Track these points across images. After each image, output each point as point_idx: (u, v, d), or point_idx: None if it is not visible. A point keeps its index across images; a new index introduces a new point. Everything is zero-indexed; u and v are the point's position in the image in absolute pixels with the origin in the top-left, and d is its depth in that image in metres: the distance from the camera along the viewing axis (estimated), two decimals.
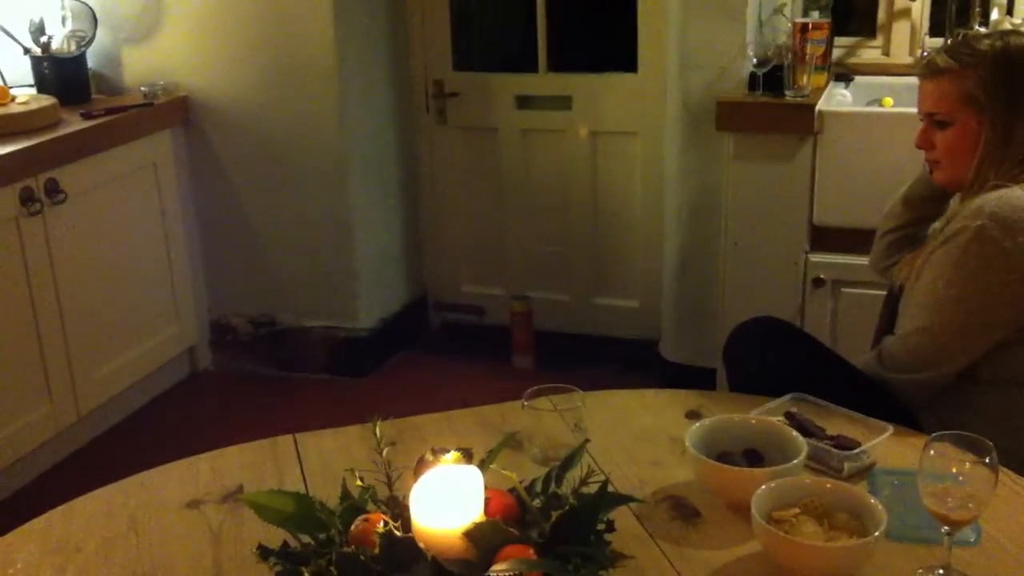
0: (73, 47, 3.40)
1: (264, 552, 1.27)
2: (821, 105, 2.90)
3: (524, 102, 3.69)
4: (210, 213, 3.61)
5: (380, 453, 1.37)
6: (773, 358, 1.94)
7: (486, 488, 1.32)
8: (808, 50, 2.99)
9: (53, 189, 2.95)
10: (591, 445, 1.49)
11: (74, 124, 3.14)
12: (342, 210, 3.51)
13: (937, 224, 1.99)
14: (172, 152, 3.48)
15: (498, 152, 3.75)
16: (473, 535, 1.24)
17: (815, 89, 2.96)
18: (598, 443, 1.61)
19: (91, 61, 3.48)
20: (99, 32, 3.42)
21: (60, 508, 1.58)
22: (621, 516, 1.46)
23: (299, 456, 1.70)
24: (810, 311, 3.02)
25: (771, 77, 2.94)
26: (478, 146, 3.77)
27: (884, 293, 2.16)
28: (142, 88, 3.43)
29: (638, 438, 1.75)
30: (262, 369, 3.68)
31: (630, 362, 3.58)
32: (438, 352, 3.82)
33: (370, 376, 3.61)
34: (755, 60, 2.95)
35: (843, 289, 2.96)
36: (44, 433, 2.97)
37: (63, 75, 3.37)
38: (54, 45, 3.37)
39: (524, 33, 3.64)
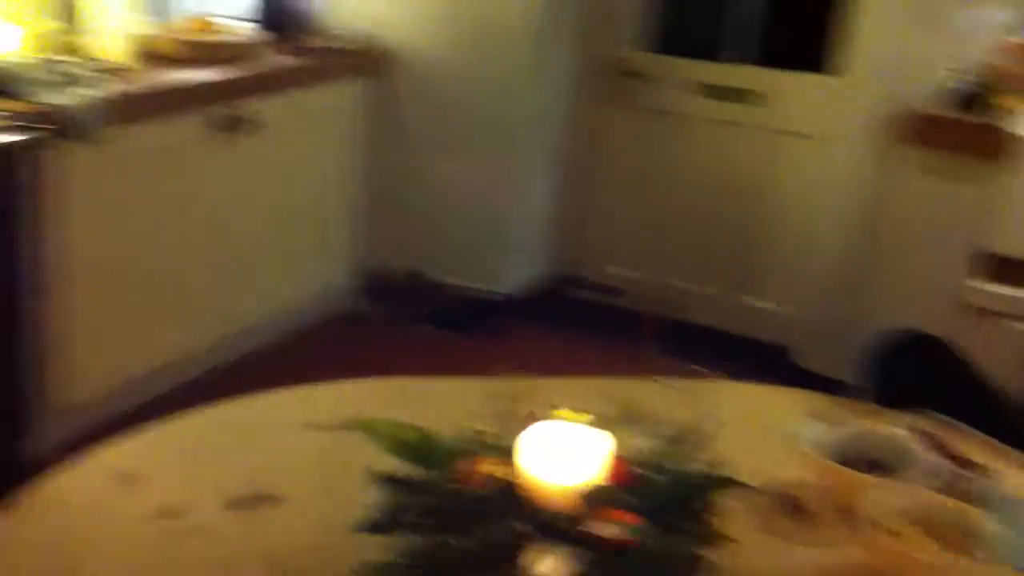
0: None
1: (374, 476, 1.31)
2: (1017, 128, 2.75)
3: (707, 91, 3.64)
4: (382, 162, 3.72)
5: (500, 402, 1.39)
6: (920, 373, 1.88)
7: (600, 452, 1.32)
8: (1014, 70, 2.83)
9: (244, 119, 3.08)
10: (713, 431, 1.48)
11: (276, 60, 3.28)
12: (505, 176, 3.57)
13: None
14: (361, 100, 3.60)
15: (671, 138, 3.72)
16: (580, 492, 1.25)
17: (1015, 112, 2.81)
18: (721, 430, 1.60)
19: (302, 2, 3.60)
20: None
21: (190, 413, 1.66)
22: (728, 504, 1.44)
23: (420, 397, 1.74)
24: (962, 339, 2.89)
25: (970, 95, 2.80)
26: (653, 129, 3.75)
27: None
28: (345, 34, 3.54)
29: (760, 431, 1.73)
30: (403, 319, 3.76)
31: (761, 363, 3.51)
32: (572, 327, 3.83)
33: (501, 340, 3.65)
34: (956, 76, 2.81)
35: (1003, 320, 2.83)
36: (191, 348, 3.12)
37: (280, 13, 3.50)
38: None
39: (718, 21, 3.59)
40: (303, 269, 3.54)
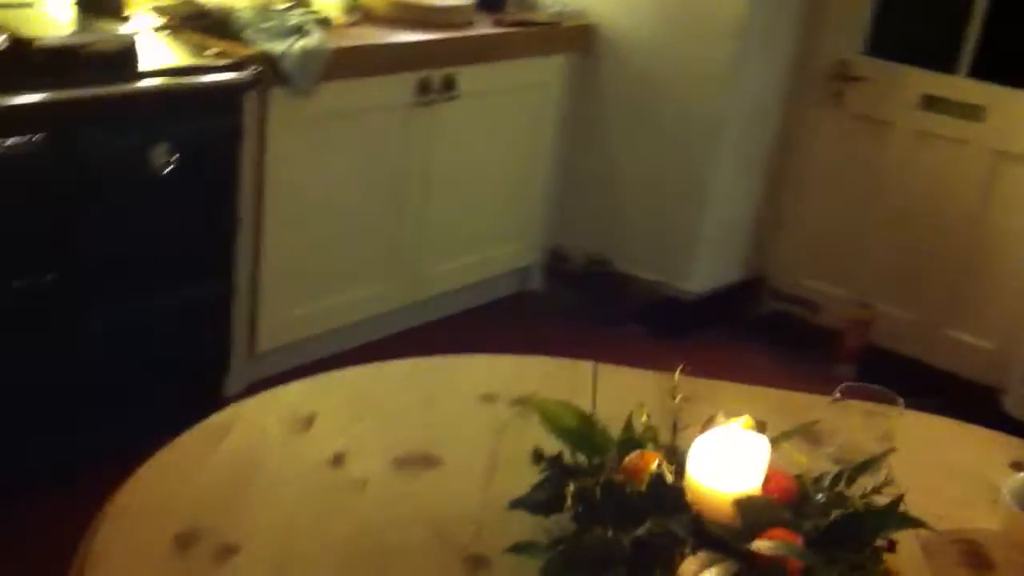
0: None
1: (538, 456, 1.29)
2: None
3: (930, 103, 3.44)
4: (579, 143, 3.70)
5: (674, 399, 1.35)
6: None
7: (770, 466, 1.27)
8: None
9: (449, 85, 3.12)
10: (895, 463, 1.38)
11: (484, 28, 3.30)
12: (704, 170, 3.48)
13: None
14: (564, 76, 3.58)
15: (886, 149, 3.54)
16: (744, 505, 1.20)
17: None
18: (905, 463, 1.50)
19: None
20: None
21: (371, 366, 1.69)
22: (906, 542, 1.35)
23: (595, 383, 1.71)
24: None
25: None
26: (866, 138, 3.58)
27: None
28: (553, 7, 3.54)
29: (951, 472, 1.62)
30: (585, 305, 3.74)
31: (965, 403, 3.29)
32: (759, 338, 3.71)
33: (683, 341, 3.57)
34: None
35: None
36: (378, 307, 3.20)
37: None
38: None
39: (951, 30, 3.38)
40: (493, 242, 3.57)
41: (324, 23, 2.86)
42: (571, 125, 3.68)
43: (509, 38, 3.32)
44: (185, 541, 1.22)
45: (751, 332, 3.76)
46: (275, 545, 1.25)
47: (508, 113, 3.43)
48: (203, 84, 2.48)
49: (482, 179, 3.41)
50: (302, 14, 2.83)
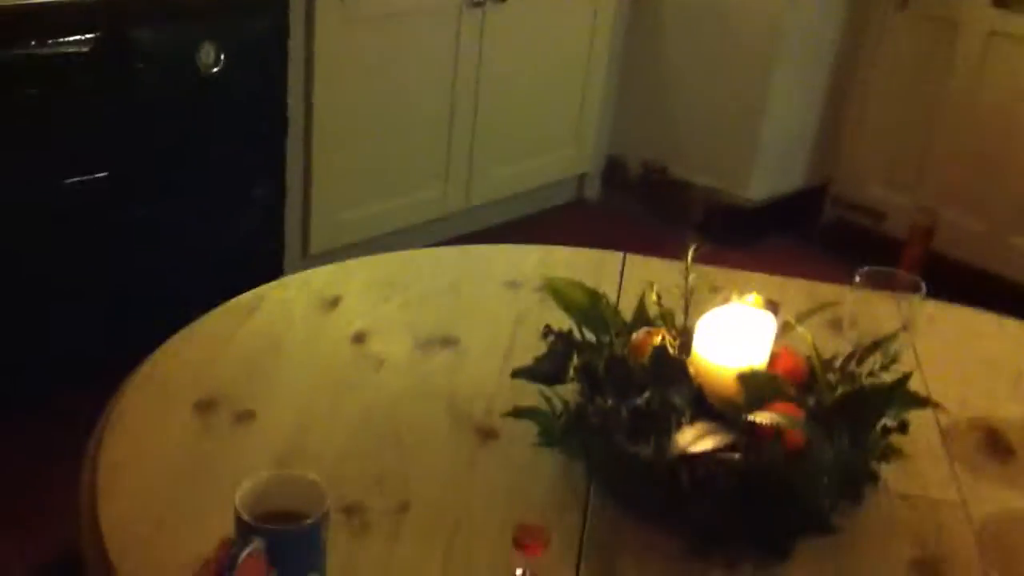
0: None
1: (547, 332, 1.31)
2: None
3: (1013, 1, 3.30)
4: (636, 50, 3.64)
5: (686, 280, 1.35)
6: None
7: (781, 345, 1.27)
8: None
9: None
10: (920, 352, 1.38)
11: None
12: (763, 76, 3.40)
13: None
14: None
15: (955, 51, 3.40)
16: (746, 379, 1.20)
17: None
18: (931, 352, 1.49)
19: None
20: None
21: (399, 252, 1.72)
22: (924, 427, 1.35)
23: (622, 272, 1.72)
24: None
25: None
26: (934, 39, 3.44)
27: None
28: None
29: (979, 361, 1.60)
30: (642, 212, 3.72)
31: None
32: (820, 248, 3.66)
33: (740, 250, 3.54)
34: None
35: None
36: (431, 212, 3.23)
37: None
38: None
39: None
40: (550, 149, 3.56)
41: None
42: (627, 29, 3.63)
43: None
44: (205, 407, 1.27)
45: (812, 241, 3.70)
46: (292, 412, 1.30)
47: (562, 17, 3.38)
48: None
49: (536, 84, 3.39)
50: None
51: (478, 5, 3.06)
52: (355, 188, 2.97)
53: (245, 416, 1.27)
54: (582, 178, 3.78)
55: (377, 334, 1.48)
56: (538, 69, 3.38)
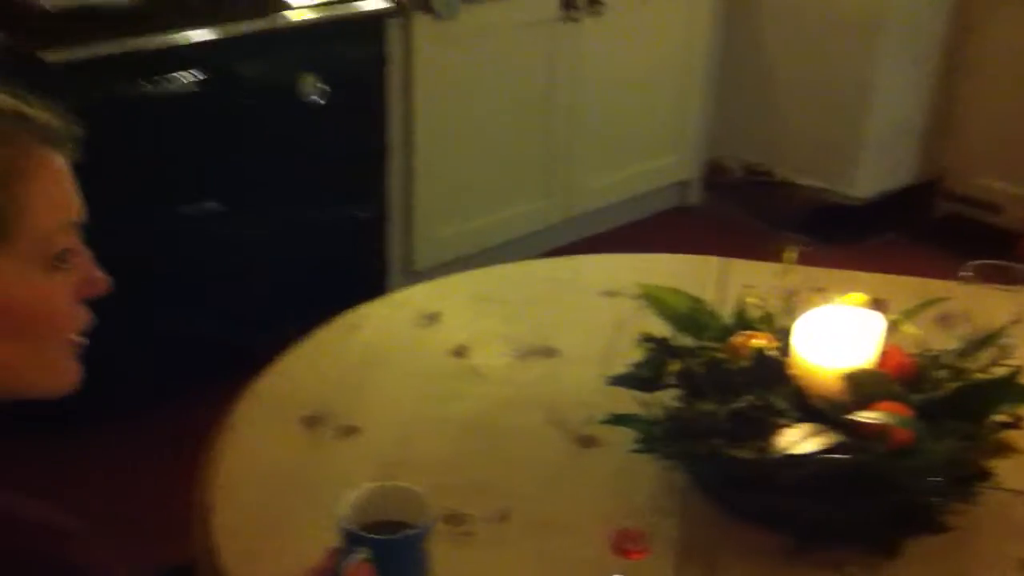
0: None
1: (646, 338, 1.31)
2: None
3: None
4: (734, 52, 3.60)
5: (786, 278, 1.34)
6: None
7: (888, 344, 1.24)
8: None
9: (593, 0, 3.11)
10: None
11: None
12: (865, 71, 3.33)
13: None
14: None
15: None
16: (852, 378, 1.18)
17: None
18: None
19: None
20: None
21: (496, 267, 1.74)
22: None
23: (721, 277, 1.70)
24: None
25: None
26: None
27: None
28: None
29: None
30: (746, 216, 3.68)
31: None
32: (934, 242, 3.54)
33: (850, 249, 3.46)
34: None
35: None
36: (533, 225, 3.24)
37: None
38: None
39: None
40: (650, 156, 3.54)
41: None
42: (724, 32, 3.59)
43: None
44: (311, 422, 1.31)
45: (925, 237, 3.59)
46: (395, 426, 1.33)
47: (657, 24, 3.37)
48: (348, 14, 2.57)
49: (634, 92, 3.38)
50: None
51: (573, 19, 3.07)
52: (456, 204, 3.01)
53: (350, 430, 1.30)
54: (683, 184, 3.75)
55: (477, 347, 1.50)
56: (635, 77, 3.37)
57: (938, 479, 1.12)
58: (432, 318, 1.57)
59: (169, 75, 2.29)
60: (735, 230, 3.61)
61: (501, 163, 3.09)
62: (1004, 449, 1.18)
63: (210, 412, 1.34)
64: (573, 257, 1.80)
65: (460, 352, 1.49)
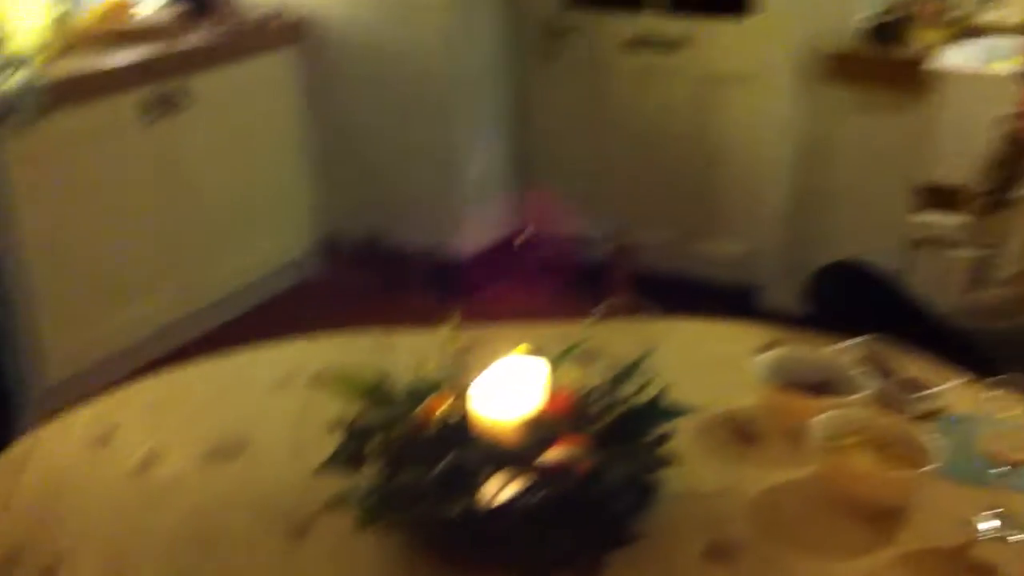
0: None
1: (338, 421, 1.36)
2: (936, 63, 2.84)
3: (635, 43, 3.68)
4: (326, 130, 3.75)
5: (454, 346, 1.45)
6: (856, 299, 1.95)
7: (550, 387, 1.39)
8: (926, 6, 2.93)
9: (175, 97, 3.11)
10: (660, 365, 1.53)
11: (201, 36, 3.29)
12: (449, 137, 3.61)
13: None
14: (292, 69, 3.62)
15: (607, 91, 3.77)
16: (532, 423, 1.31)
17: (932, 46, 2.90)
18: (668, 364, 1.65)
19: None
20: None
21: (164, 373, 1.71)
22: (680, 432, 1.50)
23: (384, 349, 1.79)
24: (912, 268, 2.98)
25: (887, 31, 2.90)
26: (587, 84, 3.79)
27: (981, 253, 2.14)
28: (266, 6, 3.57)
29: (710, 364, 1.79)
30: (366, 284, 3.81)
31: (726, 307, 3.57)
32: (539, 282, 3.88)
33: (467, 299, 3.70)
34: (874, 12, 2.90)
35: (946, 248, 2.91)
36: (151, 325, 3.16)
37: None
38: None
39: None
40: (262, 240, 3.59)
41: (37, 55, 2.81)
42: (314, 113, 3.73)
43: (228, 42, 3.32)
44: (9, 565, 1.22)
45: (531, 278, 3.92)
46: (98, 555, 1.27)
47: (246, 114, 3.44)
48: None
49: (237, 179, 3.42)
50: (11, 49, 2.77)
51: (159, 119, 3.06)
52: (81, 311, 2.92)
53: (49, 571, 1.23)
54: (301, 261, 3.82)
55: (162, 457, 1.48)
56: (235, 165, 3.41)
57: (622, 496, 1.28)
58: (107, 436, 1.52)
59: None
60: (358, 298, 3.73)
61: (119, 265, 3.00)
62: (666, 460, 1.37)
63: None
64: (239, 350, 1.80)
65: (147, 465, 1.45)
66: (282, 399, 1.64)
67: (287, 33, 3.57)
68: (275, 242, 3.66)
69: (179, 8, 3.37)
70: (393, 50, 3.55)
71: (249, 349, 1.80)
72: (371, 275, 3.82)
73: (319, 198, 3.81)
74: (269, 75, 3.53)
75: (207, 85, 3.22)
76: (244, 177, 3.47)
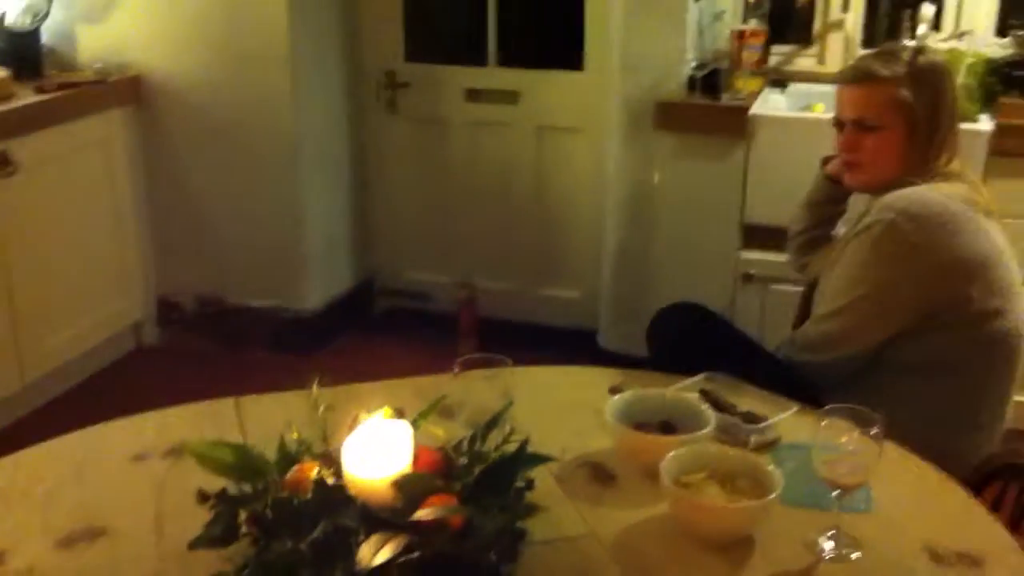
0: (28, 21, 3.44)
1: (203, 496, 1.35)
2: (755, 109, 3.04)
3: (473, 95, 3.79)
4: (161, 191, 3.68)
5: (317, 410, 1.46)
6: (691, 339, 2.06)
7: (415, 445, 1.42)
8: (744, 56, 3.13)
9: (2, 161, 3.00)
10: (518, 414, 1.58)
11: (26, 98, 3.20)
12: (291, 193, 3.59)
13: (851, 220, 2.13)
14: (124, 129, 3.54)
15: (447, 143, 3.85)
16: (400, 484, 1.34)
17: (750, 94, 3.11)
18: (524, 413, 1.70)
19: (45, 36, 3.52)
20: (54, 8, 3.47)
21: (6, 458, 1.65)
22: (541, 478, 1.55)
23: (240, 417, 1.78)
24: (740, 306, 3.16)
25: (709, 81, 3.08)
26: (427, 137, 3.87)
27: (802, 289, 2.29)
28: (95, 65, 3.49)
29: (563, 409, 1.86)
30: (207, 346, 3.74)
31: (570, 350, 3.68)
32: (382, 335, 3.90)
33: (314, 356, 3.69)
34: (694, 63, 3.09)
35: (771, 285, 3.10)
36: None
37: (17, 49, 3.41)
38: (8, 19, 3.41)
39: (475, 27, 3.74)
40: (98, 305, 3.49)
41: None
42: (148, 174, 3.66)
43: (53, 103, 3.23)
44: None
45: (375, 332, 3.94)
46: None
47: (75, 176, 3.34)
48: None
49: (69, 246, 3.31)
50: None
51: None
52: None
53: None
54: (137, 326, 3.71)
55: (14, 549, 1.42)
56: (66, 231, 3.31)
57: (495, 547, 1.32)
58: None
59: None
60: (200, 362, 3.65)
61: None
62: (530, 509, 1.41)
63: None
64: (87, 428, 1.75)
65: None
66: (139, 474, 1.61)
67: (123, 92, 3.50)
68: (111, 307, 3.56)
69: (3, 71, 3.25)
70: (231, 106, 3.53)
71: (100, 425, 1.76)
72: (212, 336, 3.75)
73: (156, 260, 3.73)
74: (103, 135, 3.45)
75: (33, 148, 3.12)
76: (77, 242, 3.36)
